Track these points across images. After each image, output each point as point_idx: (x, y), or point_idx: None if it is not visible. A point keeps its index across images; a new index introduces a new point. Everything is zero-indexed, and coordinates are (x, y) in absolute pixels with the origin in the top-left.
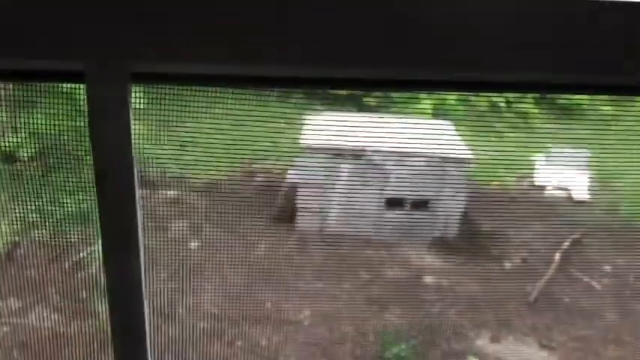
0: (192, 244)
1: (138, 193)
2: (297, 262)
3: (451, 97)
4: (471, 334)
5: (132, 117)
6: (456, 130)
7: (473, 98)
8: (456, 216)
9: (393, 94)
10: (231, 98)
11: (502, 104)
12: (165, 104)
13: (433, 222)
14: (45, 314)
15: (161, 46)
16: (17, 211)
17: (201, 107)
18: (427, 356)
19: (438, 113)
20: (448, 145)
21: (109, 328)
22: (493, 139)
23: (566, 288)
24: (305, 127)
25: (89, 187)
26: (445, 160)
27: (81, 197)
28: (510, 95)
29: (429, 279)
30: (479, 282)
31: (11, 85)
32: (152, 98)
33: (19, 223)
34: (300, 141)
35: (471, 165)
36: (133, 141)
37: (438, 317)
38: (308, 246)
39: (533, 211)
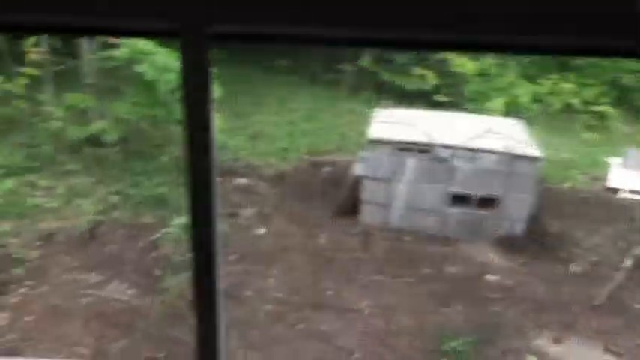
0: (260, 230)
1: (215, 152)
2: (359, 254)
3: (524, 96)
4: (532, 334)
5: (212, 74)
6: (528, 128)
7: (547, 98)
8: (524, 215)
9: (465, 91)
10: (304, 92)
11: (577, 105)
12: (239, 97)
13: (499, 220)
14: (122, 288)
15: (238, 9)
16: (101, 192)
17: (274, 100)
18: (485, 353)
19: (510, 111)
20: (519, 144)
21: (179, 303)
22: (567, 139)
23: (636, 294)
24: (373, 121)
25: (166, 173)
26: (515, 158)
27: (158, 182)
28: (587, 96)
29: (491, 277)
30: (543, 283)
31: (96, 74)
32: (227, 92)
33: (102, 203)
34: (368, 135)
35: (542, 164)
36: (212, 97)
37: (498, 315)
38: (370, 238)
39: (606, 214)
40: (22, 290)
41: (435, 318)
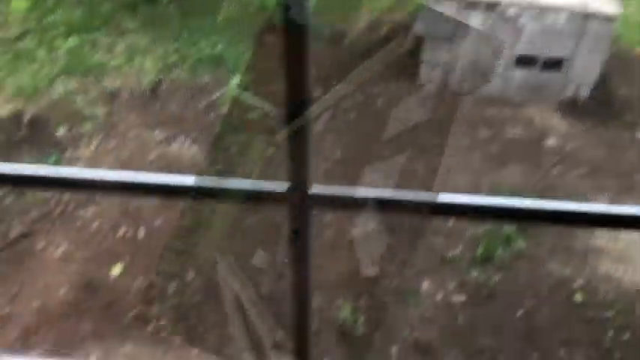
0: (317, 91)
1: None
2: (416, 115)
3: None
4: (589, 197)
5: None
6: None
7: None
8: (592, 78)
9: None
10: None
11: None
12: None
13: (565, 83)
14: (186, 145)
15: None
16: (159, 50)
17: None
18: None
19: None
20: (593, 0)
21: (240, 160)
22: None
23: None
24: None
25: (222, 31)
26: (588, 16)
27: (214, 41)
28: None
29: (552, 141)
30: (606, 148)
31: None
32: None
33: (161, 62)
34: None
35: (617, 24)
36: None
37: (556, 178)
38: (429, 99)
39: None
40: (93, 145)
41: (491, 179)
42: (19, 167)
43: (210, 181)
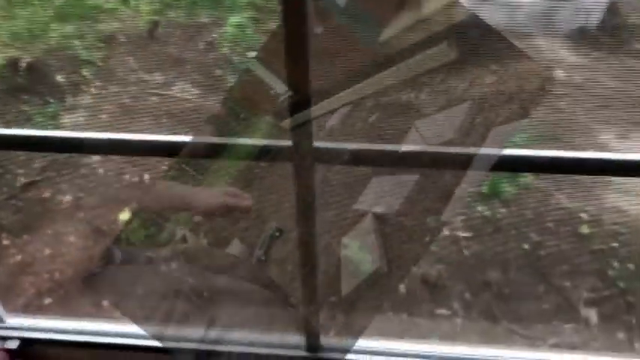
0: (318, 29)
1: None
2: (417, 47)
3: None
4: (597, 130)
5: None
6: None
7: None
8: (602, 5)
9: None
10: None
11: None
12: None
13: (574, 11)
14: (186, 88)
15: None
16: None
17: None
18: (548, 148)
19: None
20: None
21: (242, 102)
22: None
23: None
24: None
25: None
26: None
27: None
28: None
29: (560, 73)
30: (615, 79)
31: None
32: None
33: (157, 2)
34: None
35: None
36: None
37: (563, 112)
38: (435, 34)
39: None
40: (93, 91)
41: (496, 114)
42: (21, 132)
43: (214, 139)
